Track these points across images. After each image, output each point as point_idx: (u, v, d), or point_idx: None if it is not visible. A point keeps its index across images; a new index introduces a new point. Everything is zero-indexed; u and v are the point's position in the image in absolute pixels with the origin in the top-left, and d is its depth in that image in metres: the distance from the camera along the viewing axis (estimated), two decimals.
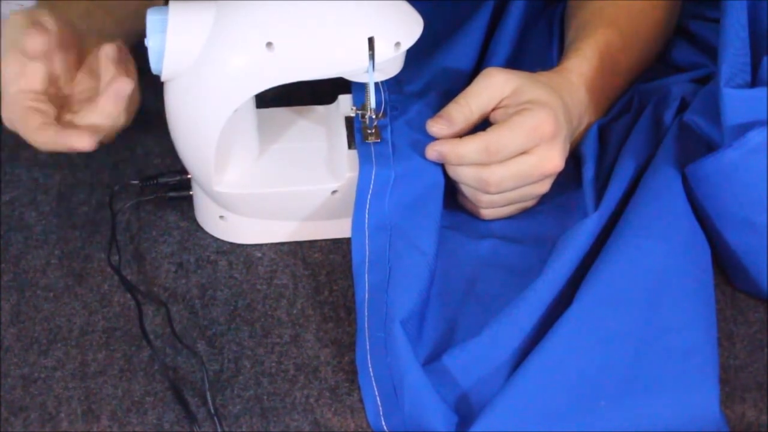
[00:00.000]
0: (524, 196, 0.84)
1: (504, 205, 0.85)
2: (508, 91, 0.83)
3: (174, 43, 0.77)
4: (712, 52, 0.90)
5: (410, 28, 0.80)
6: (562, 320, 0.74)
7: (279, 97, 0.88)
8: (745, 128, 0.76)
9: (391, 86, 0.89)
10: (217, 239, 0.87)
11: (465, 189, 0.84)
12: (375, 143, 0.84)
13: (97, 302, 0.82)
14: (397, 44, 0.79)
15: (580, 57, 0.89)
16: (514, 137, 0.80)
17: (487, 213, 0.86)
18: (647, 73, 0.97)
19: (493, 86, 0.83)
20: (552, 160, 0.81)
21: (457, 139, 0.81)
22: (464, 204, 0.87)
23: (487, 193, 0.82)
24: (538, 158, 0.81)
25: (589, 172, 0.85)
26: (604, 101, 0.91)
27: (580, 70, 0.88)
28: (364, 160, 0.83)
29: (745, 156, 0.76)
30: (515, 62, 0.96)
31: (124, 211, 0.89)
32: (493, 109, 0.83)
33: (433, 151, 0.82)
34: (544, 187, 0.84)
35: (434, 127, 0.83)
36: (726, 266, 0.83)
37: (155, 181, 0.90)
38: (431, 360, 0.75)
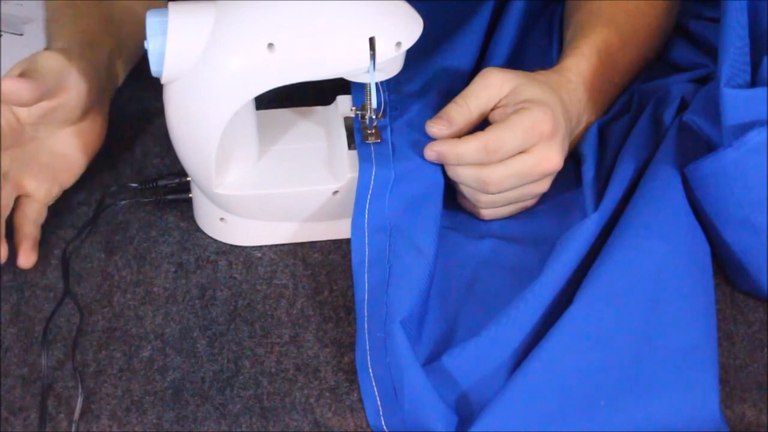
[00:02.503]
0: (524, 195, 0.84)
1: (503, 205, 0.85)
2: (507, 91, 0.83)
3: (174, 45, 0.76)
4: (712, 52, 0.91)
5: (410, 28, 0.80)
6: (562, 320, 0.74)
7: (278, 98, 0.88)
8: (745, 128, 0.76)
9: (390, 86, 0.89)
10: (216, 239, 0.87)
11: (464, 189, 0.84)
12: (375, 143, 0.84)
13: (97, 302, 0.82)
14: (398, 44, 0.79)
15: (578, 56, 0.89)
16: (513, 136, 0.80)
17: (486, 213, 0.86)
18: (647, 73, 0.97)
19: (492, 86, 0.83)
20: (551, 158, 0.81)
21: (456, 139, 0.81)
22: (464, 204, 0.87)
23: (487, 192, 0.82)
24: (537, 157, 0.81)
25: (589, 172, 0.85)
26: (602, 100, 0.91)
27: (579, 69, 0.88)
28: (363, 161, 0.83)
29: (745, 156, 0.76)
30: (515, 62, 0.96)
31: (123, 212, 0.89)
32: (492, 109, 0.83)
33: (431, 152, 0.82)
34: (544, 186, 0.84)
35: (434, 128, 0.83)
36: (726, 266, 0.83)
37: (154, 184, 0.90)
38: (431, 360, 0.75)
